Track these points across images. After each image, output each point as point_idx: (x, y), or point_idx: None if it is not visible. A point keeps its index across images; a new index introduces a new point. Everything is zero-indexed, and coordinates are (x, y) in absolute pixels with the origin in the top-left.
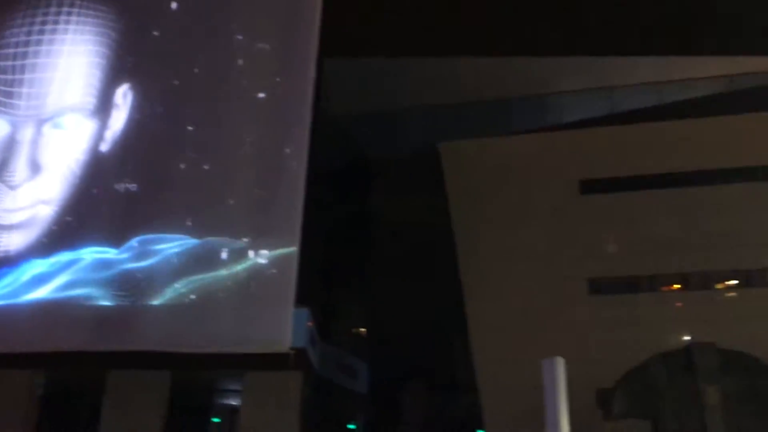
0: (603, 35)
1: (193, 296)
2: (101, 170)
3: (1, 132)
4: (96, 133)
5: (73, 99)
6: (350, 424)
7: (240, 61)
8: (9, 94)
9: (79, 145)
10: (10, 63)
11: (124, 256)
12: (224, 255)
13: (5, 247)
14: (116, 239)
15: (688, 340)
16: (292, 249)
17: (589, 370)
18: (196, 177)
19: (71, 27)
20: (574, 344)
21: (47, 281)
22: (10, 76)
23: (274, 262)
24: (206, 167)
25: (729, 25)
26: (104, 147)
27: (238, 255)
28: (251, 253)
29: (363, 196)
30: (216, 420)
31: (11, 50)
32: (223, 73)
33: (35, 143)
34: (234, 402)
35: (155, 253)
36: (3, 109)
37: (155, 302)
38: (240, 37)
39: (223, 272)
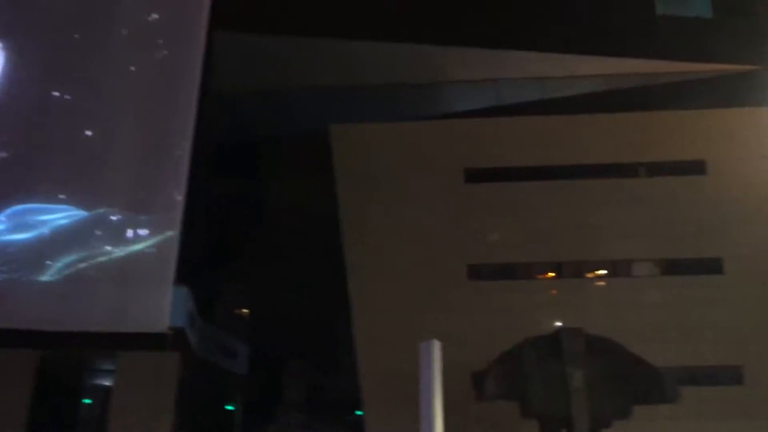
0: (492, 28)
1: (67, 272)
2: None
3: None
4: None
5: None
6: (229, 405)
7: (124, 31)
8: None
9: None
10: None
11: None
12: (101, 231)
13: None
14: None
15: (559, 326)
16: (174, 227)
17: (466, 353)
18: (73, 149)
19: None
20: (453, 328)
21: None
22: None
23: (153, 239)
24: (84, 139)
25: (604, 27)
26: None
27: (116, 231)
28: (130, 230)
29: (250, 176)
30: (87, 401)
31: None
32: (105, 42)
33: None
34: (107, 382)
35: (27, 226)
36: None
37: (26, 278)
38: (126, 6)
39: (100, 249)
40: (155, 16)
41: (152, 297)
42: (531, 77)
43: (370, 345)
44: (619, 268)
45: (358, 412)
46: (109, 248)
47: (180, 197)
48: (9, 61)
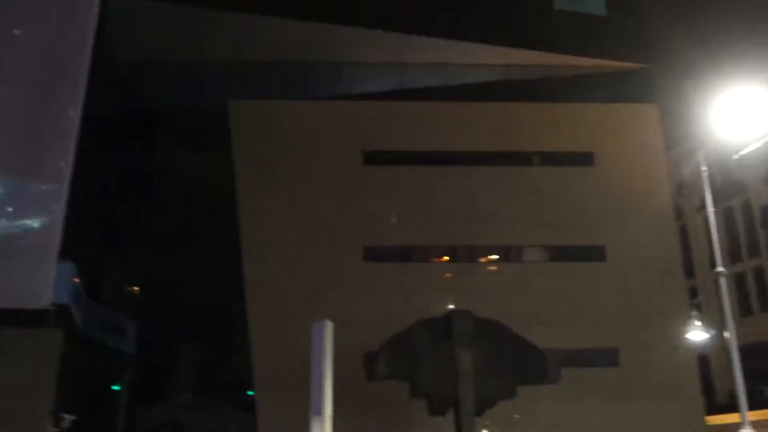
0: (397, 12)
1: None
2: None
3: None
4: None
5: None
6: (115, 385)
7: None
8: None
9: None
10: None
11: None
12: None
13: None
14: None
15: (451, 309)
16: (59, 199)
17: (361, 334)
18: None
19: None
20: (348, 309)
21: None
22: None
23: (38, 212)
24: None
25: (505, 19)
26: None
27: None
28: (11, 202)
29: (144, 149)
30: None
31: None
32: None
33: None
34: None
35: None
36: None
37: None
38: None
39: None
40: None
41: (35, 272)
42: (433, 63)
43: (263, 325)
44: (510, 254)
45: (250, 393)
46: None
47: (67, 168)
48: None
